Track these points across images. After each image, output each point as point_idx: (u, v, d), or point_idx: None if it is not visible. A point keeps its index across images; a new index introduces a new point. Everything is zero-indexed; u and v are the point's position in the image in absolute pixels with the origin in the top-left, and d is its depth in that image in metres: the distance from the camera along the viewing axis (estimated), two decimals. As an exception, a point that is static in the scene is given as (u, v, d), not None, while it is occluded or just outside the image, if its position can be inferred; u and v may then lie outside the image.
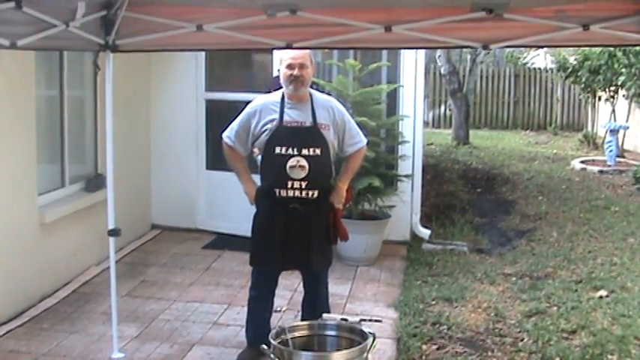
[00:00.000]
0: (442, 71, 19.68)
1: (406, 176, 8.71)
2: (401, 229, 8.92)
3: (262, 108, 5.34)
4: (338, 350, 4.27)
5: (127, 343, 5.83)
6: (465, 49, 20.10)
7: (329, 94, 6.55)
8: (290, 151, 5.14)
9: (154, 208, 9.45)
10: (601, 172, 14.65)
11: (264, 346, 4.16)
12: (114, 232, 5.46)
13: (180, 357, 5.62)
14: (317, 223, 5.32)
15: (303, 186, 5.15)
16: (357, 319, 4.67)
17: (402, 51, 8.69)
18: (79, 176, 7.77)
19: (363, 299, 7.05)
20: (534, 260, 8.41)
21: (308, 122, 5.24)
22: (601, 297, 7.12)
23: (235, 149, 5.46)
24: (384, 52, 8.84)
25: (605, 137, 16.52)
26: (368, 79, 8.67)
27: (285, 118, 5.23)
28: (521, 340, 6.08)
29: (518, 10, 4.52)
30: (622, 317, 6.55)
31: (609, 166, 15.18)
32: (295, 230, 5.26)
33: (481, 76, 23.38)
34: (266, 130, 5.24)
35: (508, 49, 25.03)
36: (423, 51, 9.00)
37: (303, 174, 5.13)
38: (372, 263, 8.17)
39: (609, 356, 5.71)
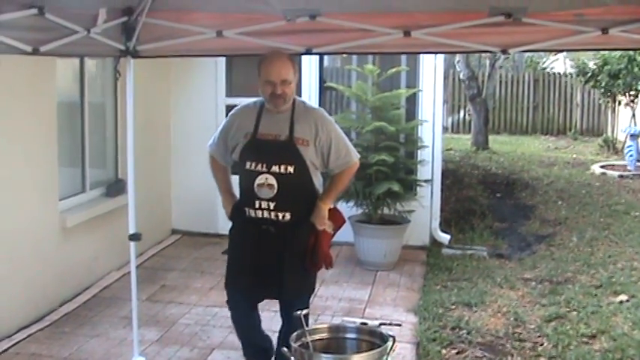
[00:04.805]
0: (461, 76, 19.72)
1: (425, 181, 8.72)
2: (420, 234, 8.92)
3: (239, 118, 4.89)
4: (358, 353, 4.27)
5: (148, 347, 5.86)
6: (484, 54, 20.06)
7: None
8: (259, 167, 4.62)
9: (174, 213, 9.51)
10: (621, 176, 14.59)
11: (285, 349, 4.17)
12: (135, 237, 5.47)
13: (201, 361, 5.64)
14: (291, 247, 4.71)
15: (272, 207, 4.62)
16: (377, 323, 4.68)
17: (421, 56, 8.70)
18: (100, 181, 7.83)
19: (383, 304, 7.06)
20: (554, 265, 8.39)
21: (283, 136, 4.66)
22: (621, 302, 7.09)
23: (216, 159, 5.07)
24: (403, 57, 8.88)
25: (625, 142, 16.46)
26: (387, 84, 8.69)
27: (260, 129, 4.71)
28: (541, 344, 6.06)
29: (537, 15, 4.52)
30: (642, 322, 6.53)
31: (629, 170, 15.12)
32: (267, 254, 4.72)
33: (500, 81, 23.36)
34: (239, 142, 4.77)
35: (527, 54, 25.02)
36: (442, 56, 9.01)
37: (271, 193, 4.59)
38: (391, 268, 8.17)
39: (629, 361, 5.70)
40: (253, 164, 4.63)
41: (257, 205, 4.63)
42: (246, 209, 4.71)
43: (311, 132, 4.68)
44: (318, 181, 4.83)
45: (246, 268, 4.77)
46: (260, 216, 4.65)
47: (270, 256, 4.70)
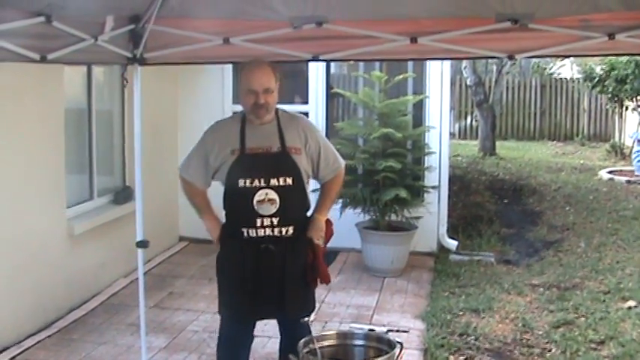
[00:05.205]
0: (468, 82, 19.69)
1: (433, 187, 8.72)
2: (428, 241, 8.92)
3: (219, 135, 4.65)
4: (366, 359, 4.27)
5: (156, 354, 5.88)
6: (490, 60, 20.04)
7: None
8: (256, 182, 4.36)
9: (182, 220, 9.50)
10: (629, 182, 14.55)
11: (292, 356, 4.16)
12: (142, 244, 5.44)
13: (208, 368, 5.64)
14: (292, 263, 4.48)
15: (275, 223, 4.38)
16: (385, 329, 4.68)
17: (428, 62, 8.71)
18: (108, 189, 7.85)
19: (391, 310, 7.05)
20: (562, 271, 8.37)
21: (275, 147, 4.44)
22: (629, 307, 7.07)
23: (192, 184, 4.75)
24: (410, 64, 8.87)
25: (632, 147, 16.42)
26: (394, 90, 8.69)
27: (248, 144, 4.45)
28: (549, 350, 6.06)
29: (544, 20, 4.52)
30: (651, 328, 6.51)
31: (637, 176, 15.08)
32: (268, 273, 4.45)
33: (507, 87, 23.34)
34: (226, 160, 4.49)
35: (534, 60, 24.95)
36: (449, 62, 9.01)
37: (273, 209, 4.35)
38: (399, 274, 8.17)
39: (638, 367, 5.69)
40: (248, 181, 4.37)
41: (258, 224, 4.37)
42: (244, 230, 4.43)
43: (301, 139, 4.51)
44: (309, 190, 4.66)
45: (247, 291, 4.49)
46: (262, 234, 4.40)
47: (271, 274, 4.45)
